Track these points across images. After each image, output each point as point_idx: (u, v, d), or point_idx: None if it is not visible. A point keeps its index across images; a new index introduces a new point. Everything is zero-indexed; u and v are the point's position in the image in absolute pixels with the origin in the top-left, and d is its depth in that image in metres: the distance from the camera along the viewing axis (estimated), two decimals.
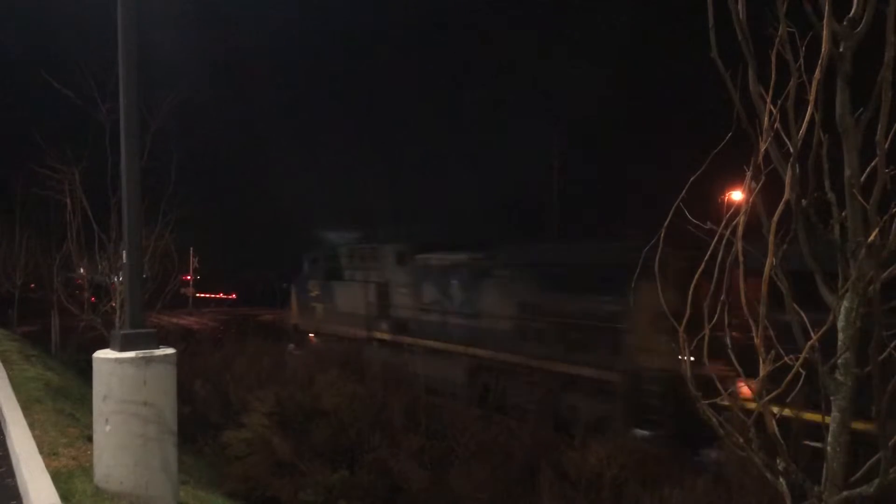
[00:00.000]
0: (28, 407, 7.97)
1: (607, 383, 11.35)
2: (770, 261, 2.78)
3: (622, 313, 10.92)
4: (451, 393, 14.66)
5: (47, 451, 5.87)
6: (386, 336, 18.25)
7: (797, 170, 2.74)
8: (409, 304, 17.51)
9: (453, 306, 15.88)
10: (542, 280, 13.29)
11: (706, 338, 2.92)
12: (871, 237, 2.54)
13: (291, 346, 22.14)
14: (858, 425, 2.74)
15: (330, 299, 21.33)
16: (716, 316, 2.94)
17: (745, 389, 3.06)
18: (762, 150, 2.79)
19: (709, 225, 2.98)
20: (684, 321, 3.04)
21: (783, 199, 2.75)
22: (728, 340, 2.95)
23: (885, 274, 2.61)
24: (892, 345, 2.68)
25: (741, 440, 2.93)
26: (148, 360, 4.76)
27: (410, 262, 17.77)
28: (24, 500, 4.96)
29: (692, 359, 2.97)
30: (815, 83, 2.64)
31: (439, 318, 16.25)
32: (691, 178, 3.11)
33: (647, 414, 10.60)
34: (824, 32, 2.57)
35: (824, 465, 2.76)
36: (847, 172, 2.66)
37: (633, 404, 10.80)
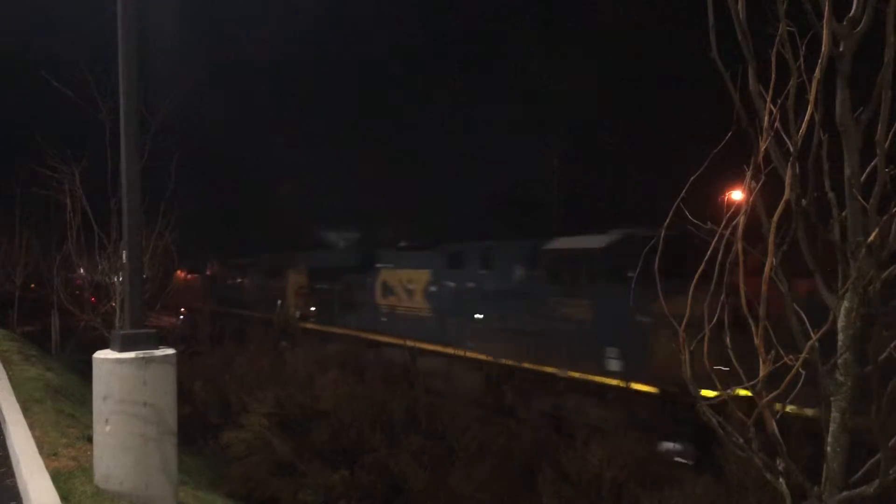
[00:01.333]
0: (28, 407, 7.96)
1: (275, 321, 23.21)
2: (770, 261, 2.77)
3: (283, 289, 24.49)
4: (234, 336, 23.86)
5: (47, 452, 5.87)
6: (216, 308, 30.16)
7: (797, 170, 2.74)
8: (228, 286, 31.91)
9: (245, 288, 29.55)
10: (264, 272, 27.25)
11: (706, 338, 2.92)
12: (871, 237, 2.54)
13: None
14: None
15: (189, 287, 35.27)
16: (715, 315, 2.94)
17: None
18: (762, 149, 2.78)
19: (709, 225, 2.97)
20: (685, 321, 3.04)
21: (783, 199, 2.75)
22: (728, 340, 2.96)
23: (885, 274, 2.61)
24: (893, 345, 2.67)
25: (741, 440, 2.93)
26: (148, 361, 4.76)
27: (227, 263, 33.18)
28: (24, 501, 4.96)
29: None
30: (815, 83, 2.63)
31: (235, 294, 29.97)
32: (691, 178, 3.11)
33: (285, 334, 21.72)
34: (824, 32, 2.57)
35: (824, 465, 2.76)
36: (847, 172, 2.66)
37: (283, 330, 22.21)
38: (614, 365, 11.30)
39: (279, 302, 24.20)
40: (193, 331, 26.29)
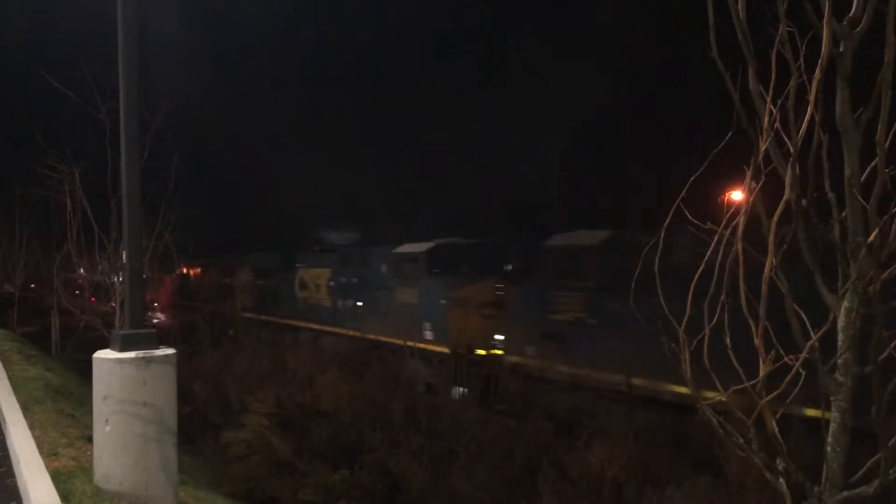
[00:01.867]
0: (28, 407, 7.97)
1: (224, 312, 26.14)
2: (770, 261, 2.77)
3: (235, 287, 30.09)
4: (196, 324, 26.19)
5: (47, 452, 5.87)
6: (181, 302, 34.92)
7: (797, 170, 2.74)
8: (193, 284, 36.77)
9: (206, 285, 33.47)
10: (221, 271, 32.47)
11: (706, 337, 2.92)
12: (871, 237, 2.54)
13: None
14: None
15: (162, 284, 38.49)
16: (716, 316, 2.94)
17: None
18: (762, 150, 2.78)
19: (709, 225, 2.97)
20: (684, 321, 3.03)
21: (783, 199, 2.74)
22: (728, 341, 2.95)
23: (885, 274, 2.61)
24: (893, 345, 2.67)
25: (741, 440, 2.92)
26: (148, 361, 4.76)
27: (193, 264, 38.39)
28: (24, 501, 4.97)
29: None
30: (815, 83, 2.63)
31: (198, 290, 33.35)
32: (691, 178, 3.11)
33: (231, 326, 23.84)
34: (824, 32, 2.57)
35: (824, 465, 2.76)
36: (847, 172, 2.66)
37: (230, 320, 25.03)
38: (430, 335, 16.10)
39: (228, 296, 29.83)
40: (184, 328, 27.33)
